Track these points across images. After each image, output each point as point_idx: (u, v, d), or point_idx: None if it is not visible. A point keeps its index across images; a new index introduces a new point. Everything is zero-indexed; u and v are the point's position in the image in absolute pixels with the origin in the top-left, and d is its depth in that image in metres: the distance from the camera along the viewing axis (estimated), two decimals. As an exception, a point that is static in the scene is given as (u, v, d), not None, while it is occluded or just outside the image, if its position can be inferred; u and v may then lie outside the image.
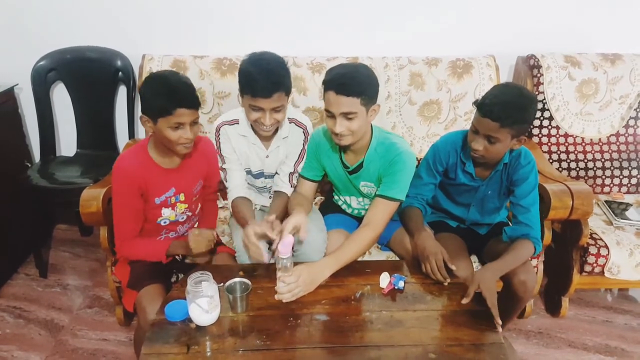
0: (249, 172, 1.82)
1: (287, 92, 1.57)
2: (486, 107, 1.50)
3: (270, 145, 1.74)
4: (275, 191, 1.84)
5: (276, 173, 1.84)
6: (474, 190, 1.75)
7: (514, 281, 1.59)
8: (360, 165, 1.73)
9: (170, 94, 1.41)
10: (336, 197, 1.97)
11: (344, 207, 1.94)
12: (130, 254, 1.62)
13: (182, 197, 1.64)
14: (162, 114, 1.41)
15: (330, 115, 1.56)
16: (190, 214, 1.71)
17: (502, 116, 1.46)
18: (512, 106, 1.47)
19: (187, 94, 1.44)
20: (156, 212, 1.62)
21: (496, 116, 1.47)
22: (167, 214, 1.63)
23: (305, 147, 1.80)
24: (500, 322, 1.34)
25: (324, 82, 1.56)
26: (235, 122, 1.72)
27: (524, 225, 1.62)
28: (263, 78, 1.49)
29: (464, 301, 1.40)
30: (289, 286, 1.39)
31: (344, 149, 1.74)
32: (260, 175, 1.83)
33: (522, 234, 1.61)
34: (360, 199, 1.86)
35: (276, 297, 1.41)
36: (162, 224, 1.65)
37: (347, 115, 1.53)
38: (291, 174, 1.80)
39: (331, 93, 1.52)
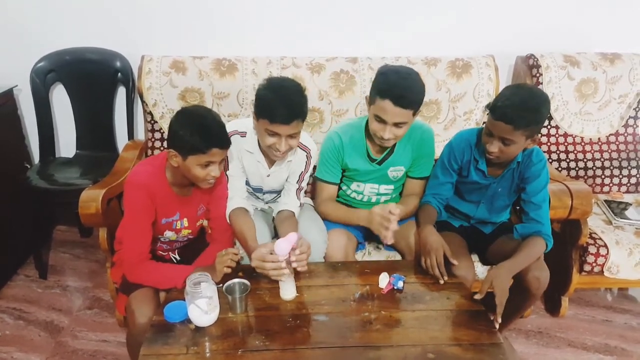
0: (247, 184, 1.80)
1: (304, 119, 1.57)
2: (499, 110, 1.50)
3: (274, 165, 1.73)
4: (282, 211, 1.76)
5: (278, 193, 1.83)
6: (485, 188, 1.75)
7: (528, 277, 1.59)
8: (390, 152, 1.78)
9: (205, 133, 1.39)
10: (344, 187, 1.92)
11: (353, 195, 1.91)
12: (141, 279, 1.50)
13: (185, 222, 1.61)
14: (195, 152, 1.39)
15: (381, 121, 1.61)
16: (191, 237, 1.69)
17: (516, 119, 1.47)
18: (524, 108, 1.47)
19: (221, 134, 1.44)
20: (160, 231, 1.59)
21: (509, 119, 1.47)
22: (168, 235, 1.62)
23: (308, 168, 1.77)
24: (499, 320, 1.34)
25: (380, 90, 1.58)
26: (244, 134, 1.70)
27: (535, 222, 1.64)
28: (283, 105, 1.49)
29: (477, 297, 1.41)
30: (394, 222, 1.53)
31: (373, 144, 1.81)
32: (258, 190, 1.83)
33: (534, 231, 1.63)
34: (375, 185, 1.87)
35: (388, 240, 1.55)
36: (161, 239, 1.64)
37: (398, 125, 1.60)
38: (298, 190, 1.78)
39: (388, 102, 1.56)
